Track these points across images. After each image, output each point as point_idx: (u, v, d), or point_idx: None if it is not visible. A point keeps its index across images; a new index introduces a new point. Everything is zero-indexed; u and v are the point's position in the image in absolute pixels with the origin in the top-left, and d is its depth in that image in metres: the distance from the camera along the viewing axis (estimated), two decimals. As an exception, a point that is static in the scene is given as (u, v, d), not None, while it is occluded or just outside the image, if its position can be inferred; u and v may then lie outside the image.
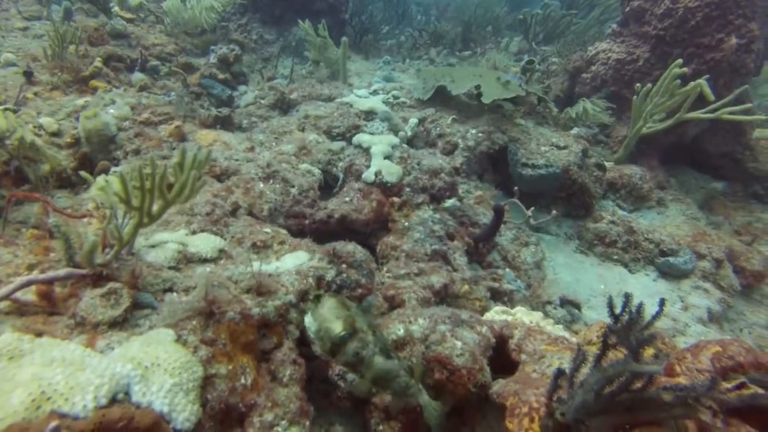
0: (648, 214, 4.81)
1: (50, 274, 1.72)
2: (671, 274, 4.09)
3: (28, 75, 4.20)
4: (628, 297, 1.40)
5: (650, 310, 1.42)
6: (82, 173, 1.83)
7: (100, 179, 2.33)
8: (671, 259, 4.07)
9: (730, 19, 5.05)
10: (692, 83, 4.57)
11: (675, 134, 5.42)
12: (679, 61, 4.66)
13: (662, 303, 1.37)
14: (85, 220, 2.41)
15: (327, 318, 1.55)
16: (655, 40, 5.45)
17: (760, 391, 1.49)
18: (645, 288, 3.95)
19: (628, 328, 1.31)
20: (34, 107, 4.02)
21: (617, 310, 1.40)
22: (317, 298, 1.60)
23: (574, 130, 4.96)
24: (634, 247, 4.21)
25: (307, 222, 3.12)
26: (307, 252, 2.26)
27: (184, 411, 1.43)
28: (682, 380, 1.53)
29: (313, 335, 1.58)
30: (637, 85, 4.95)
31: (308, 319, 1.58)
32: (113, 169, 3.13)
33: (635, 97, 4.93)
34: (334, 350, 1.57)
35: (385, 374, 1.62)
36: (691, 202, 5.17)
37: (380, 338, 1.66)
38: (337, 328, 1.55)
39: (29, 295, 1.70)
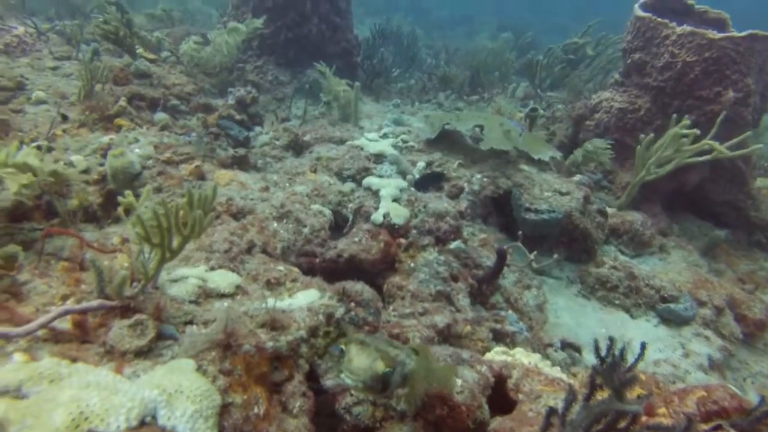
0: (649, 260, 4.92)
1: (84, 304, 1.88)
2: (672, 320, 4.17)
3: (65, 117, 4.45)
4: (612, 340, 1.52)
5: (649, 356, 1.54)
6: (120, 210, 2.01)
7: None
8: (672, 306, 4.16)
9: (727, 74, 5.28)
10: (704, 141, 4.77)
11: (677, 181, 5.59)
12: (687, 122, 4.85)
13: (643, 346, 1.49)
14: (112, 253, 2.58)
15: (365, 367, 1.60)
16: (655, 91, 5.68)
17: (737, 433, 1.59)
18: (646, 333, 4.02)
19: (612, 370, 1.43)
20: (62, 143, 4.26)
21: (603, 353, 1.53)
22: (340, 353, 1.64)
23: (577, 177, 5.13)
24: (635, 292, 4.31)
25: (317, 260, 3.27)
26: (318, 290, 2.40)
27: (203, 436, 1.55)
28: (664, 420, 1.64)
29: (361, 390, 1.62)
30: (642, 135, 5.14)
31: (350, 379, 1.60)
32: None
33: (639, 146, 5.12)
34: (384, 387, 1.62)
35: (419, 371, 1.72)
36: (693, 249, 5.27)
37: (404, 349, 1.76)
38: (380, 368, 1.59)
39: (64, 324, 1.85)
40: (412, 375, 1.68)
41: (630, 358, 1.51)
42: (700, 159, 4.95)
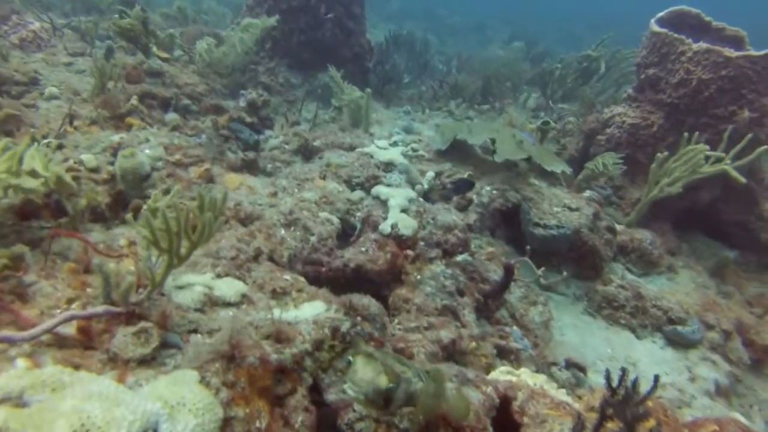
0: (657, 280, 4.87)
1: (90, 310, 1.86)
2: (679, 342, 4.12)
3: (71, 120, 4.43)
4: (624, 371, 1.49)
5: (651, 379, 1.50)
6: (128, 218, 1.99)
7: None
8: (679, 328, 4.11)
9: (743, 93, 5.23)
10: (719, 165, 4.73)
11: (688, 200, 5.53)
12: (705, 147, 4.81)
13: (656, 380, 1.46)
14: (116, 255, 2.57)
15: (369, 379, 1.59)
16: (669, 108, 5.63)
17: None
18: (652, 355, 3.98)
19: (625, 402, 1.40)
20: (73, 140, 4.26)
21: (614, 383, 1.50)
22: (347, 364, 1.65)
23: (587, 193, 5.09)
24: (642, 312, 4.26)
25: (323, 269, 3.25)
26: (324, 302, 2.38)
27: (204, 451, 1.53)
28: (675, 456, 1.60)
29: (363, 400, 1.62)
30: (658, 154, 5.07)
31: (352, 391, 1.60)
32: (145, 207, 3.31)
33: (653, 165, 5.06)
34: (387, 403, 1.62)
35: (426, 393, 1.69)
36: (702, 270, 5.21)
37: (412, 366, 1.73)
38: (383, 382, 1.60)
39: (69, 329, 1.84)
40: (418, 395, 1.66)
41: (634, 379, 1.48)
42: (711, 170, 4.91)
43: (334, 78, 6.29)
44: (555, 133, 7.02)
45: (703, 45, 5.28)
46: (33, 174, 2.50)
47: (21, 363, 1.64)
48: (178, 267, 2.10)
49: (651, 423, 1.83)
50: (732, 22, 5.92)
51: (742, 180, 4.72)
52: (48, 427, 1.31)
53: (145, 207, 3.12)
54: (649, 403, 2.31)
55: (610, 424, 1.49)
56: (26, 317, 1.86)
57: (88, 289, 2.12)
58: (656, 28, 5.66)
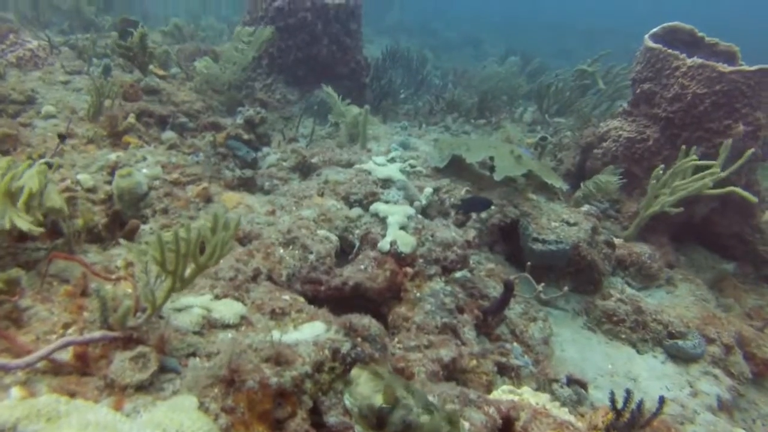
0: (657, 293, 4.86)
1: (87, 336, 1.84)
2: (679, 357, 4.09)
3: (63, 139, 4.39)
4: (629, 393, 1.47)
5: (654, 395, 1.48)
6: (123, 242, 1.97)
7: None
8: (680, 343, 4.08)
9: (737, 107, 5.27)
10: (728, 188, 4.89)
11: (685, 213, 5.53)
12: (695, 158, 4.85)
13: (662, 401, 1.44)
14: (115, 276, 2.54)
15: (366, 395, 1.60)
16: (664, 122, 5.67)
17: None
18: (652, 370, 3.95)
19: (631, 426, 1.38)
20: (69, 159, 4.25)
21: (620, 405, 1.48)
22: (350, 380, 1.65)
23: (585, 207, 5.09)
24: (642, 327, 4.24)
25: (322, 288, 3.22)
26: (323, 323, 2.36)
27: (203, 480, 1.50)
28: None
29: (356, 415, 1.62)
30: (658, 170, 5.08)
31: (348, 401, 1.62)
32: (143, 227, 3.30)
33: (653, 181, 5.07)
34: (381, 424, 1.60)
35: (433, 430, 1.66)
36: (701, 283, 5.19)
37: (420, 397, 1.71)
38: (378, 401, 1.59)
39: (65, 355, 1.81)
40: (421, 428, 1.63)
41: (639, 401, 1.47)
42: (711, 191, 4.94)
43: (332, 98, 6.32)
44: (551, 147, 7.05)
45: (697, 60, 5.33)
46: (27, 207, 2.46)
47: (15, 392, 1.61)
48: (180, 291, 2.08)
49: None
50: (725, 38, 6.00)
51: (754, 199, 4.78)
52: (44, 460, 1.28)
53: (144, 228, 3.11)
54: (654, 423, 2.28)
55: (615, 448, 1.46)
56: (21, 343, 1.83)
57: (85, 313, 2.10)
58: (650, 44, 5.72)
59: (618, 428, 1.39)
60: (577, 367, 3.80)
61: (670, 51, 5.53)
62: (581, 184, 5.51)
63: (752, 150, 4.90)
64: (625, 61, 8.54)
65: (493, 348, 3.49)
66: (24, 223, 2.32)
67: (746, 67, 5.20)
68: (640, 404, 1.40)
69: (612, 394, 1.47)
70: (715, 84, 5.23)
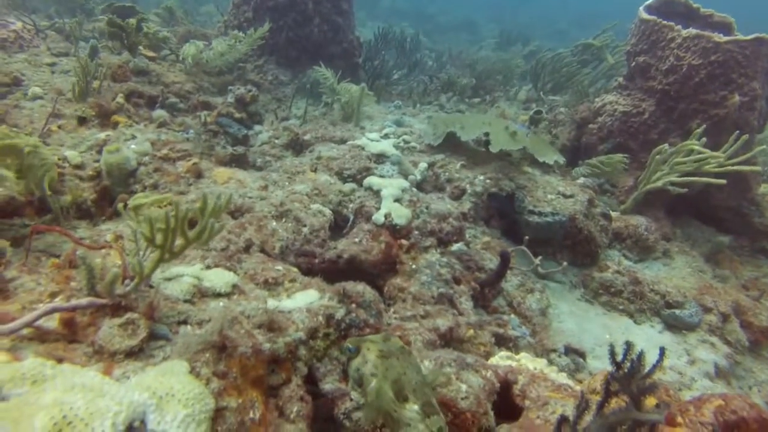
0: (654, 265, 4.84)
1: (73, 302, 1.79)
2: (677, 326, 4.09)
3: (81, 120, 4.35)
4: (629, 345, 1.44)
5: (653, 360, 1.45)
6: (119, 207, 1.92)
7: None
8: (677, 312, 4.08)
9: (733, 77, 5.22)
10: (729, 167, 4.81)
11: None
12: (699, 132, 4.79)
13: (662, 352, 1.41)
14: (104, 251, 2.49)
15: (375, 384, 1.54)
16: (660, 95, 5.61)
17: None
18: (650, 339, 3.94)
19: (630, 376, 1.35)
20: (57, 139, 4.17)
21: (619, 358, 1.45)
22: (356, 349, 1.61)
23: (580, 180, 5.06)
24: (639, 297, 4.23)
25: (316, 261, 3.18)
26: (317, 291, 2.32)
27: (195, 442, 1.46)
28: (683, 431, 1.55)
29: (359, 391, 1.58)
30: (663, 147, 5.03)
31: (354, 374, 1.58)
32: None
33: (657, 156, 5.03)
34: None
35: None
36: (698, 255, 5.19)
37: (426, 395, 1.64)
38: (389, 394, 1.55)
39: (51, 323, 1.76)
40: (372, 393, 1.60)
41: (639, 352, 1.44)
42: (713, 177, 4.90)
43: (328, 79, 6.22)
44: (546, 124, 7.00)
45: (692, 31, 5.26)
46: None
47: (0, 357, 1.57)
48: (168, 262, 2.03)
49: (654, 401, 1.78)
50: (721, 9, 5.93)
51: (758, 169, 4.74)
52: (27, 421, 1.24)
53: (130, 202, 3.05)
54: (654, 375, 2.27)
55: (614, 402, 1.43)
56: (6, 312, 1.78)
57: (72, 283, 2.05)
58: (645, 16, 5.65)
59: (617, 379, 1.35)
60: (574, 338, 3.79)
61: (664, 22, 5.46)
62: (580, 162, 5.47)
63: (746, 136, 4.83)
64: (620, 40, 8.48)
65: (490, 319, 3.47)
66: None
67: (742, 37, 5.13)
68: (640, 355, 1.36)
69: (611, 346, 1.43)
70: (710, 54, 5.17)
